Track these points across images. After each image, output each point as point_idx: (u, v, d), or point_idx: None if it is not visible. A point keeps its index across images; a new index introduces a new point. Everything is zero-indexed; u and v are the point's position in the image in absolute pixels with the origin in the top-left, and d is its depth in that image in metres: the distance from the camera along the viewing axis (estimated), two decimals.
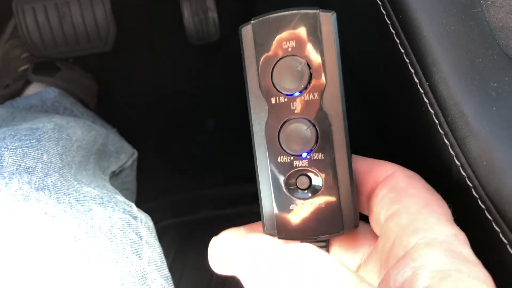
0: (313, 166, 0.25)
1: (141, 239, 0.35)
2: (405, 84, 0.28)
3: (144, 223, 0.37)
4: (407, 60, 0.27)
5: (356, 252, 0.26)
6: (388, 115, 0.36)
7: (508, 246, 0.24)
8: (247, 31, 0.25)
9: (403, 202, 0.23)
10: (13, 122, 0.47)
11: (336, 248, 0.27)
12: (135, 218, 0.37)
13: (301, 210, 0.25)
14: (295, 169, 0.25)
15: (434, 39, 0.26)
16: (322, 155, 0.24)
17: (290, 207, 0.25)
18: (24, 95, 0.66)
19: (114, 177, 0.51)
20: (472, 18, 0.26)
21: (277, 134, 0.25)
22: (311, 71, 0.24)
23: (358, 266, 0.26)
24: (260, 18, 0.24)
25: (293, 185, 0.25)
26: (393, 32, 0.28)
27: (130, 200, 0.40)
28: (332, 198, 0.25)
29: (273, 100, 0.24)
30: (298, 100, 0.24)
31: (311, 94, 0.24)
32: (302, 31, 0.24)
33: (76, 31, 0.74)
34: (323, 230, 0.25)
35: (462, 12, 0.26)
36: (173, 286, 0.37)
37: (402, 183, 0.24)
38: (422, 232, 0.22)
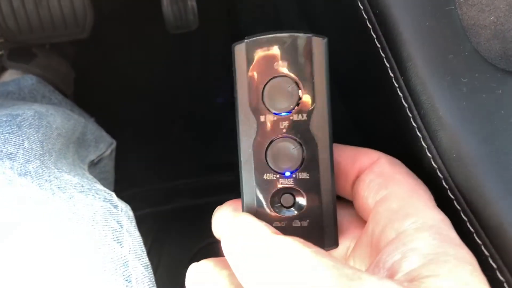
0: (298, 185, 0.25)
1: (122, 227, 0.36)
2: (381, 78, 0.29)
3: (124, 212, 0.37)
4: (383, 55, 0.28)
5: (343, 239, 0.27)
6: (364, 109, 0.37)
7: (475, 235, 0.25)
8: (240, 49, 0.25)
9: (391, 187, 0.24)
10: None
11: None
12: (115, 206, 0.37)
13: (284, 228, 0.26)
14: (280, 187, 0.25)
15: (409, 35, 0.27)
16: (307, 174, 0.25)
17: (274, 225, 0.26)
18: (0, 81, 0.65)
19: (93, 166, 0.51)
20: (445, 16, 0.27)
21: (264, 151, 0.25)
22: (300, 92, 0.25)
23: (346, 251, 0.27)
24: (254, 38, 0.25)
25: (277, 203, 0.26)
26: (370, 27, 0.29)
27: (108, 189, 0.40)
28: (315, 217, 0.25)
29: (262, 118, 0.25)
30: (286, 119, 0.25)
31: (299, 115, 0.25)
32: (294, 54, 0.24)
33: (53, 17, 0.73)
34: None
35: (436, 9, 0.27)
36: (152, 275, 0.37)
37: (388, 169, 0.25)
38: (412, 217, 0.23)
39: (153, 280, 0.36)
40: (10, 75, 0.66)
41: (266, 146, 0.25)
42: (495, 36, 0.27)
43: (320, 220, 0.25)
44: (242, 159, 0.26)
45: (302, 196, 0.25)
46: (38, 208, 0.32)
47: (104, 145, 0.54)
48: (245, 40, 0.25)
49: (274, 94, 0.25)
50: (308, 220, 0.25)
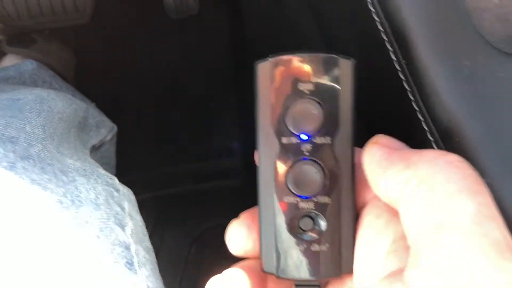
0: (319, 209, 0.25)
1: (124, 211, 0.36)
2: (383, 62, 0.29)
3: (126, 196, 0.38)
4: (386, 38, 0.28)
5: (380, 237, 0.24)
6: (365, 92, 0.37)
7: None
8: (263, 68, 0.24)
9: None
10: None
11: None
12: (117, 190, 0.37)
13: (302, 251, 0.25)
14: (300, 211, 0.25)
15: (412, 18, 0.27)
16: (329, 198, 0.25)
17: (292, 248, 0.25)
18: (0, 66, 0.65)
19: (94, 151, 0.51)
20: None
21: (285, 174, 0.25)
22: (325, 115, 0.24)
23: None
24: (279, 57, 0.24)
25: (296, 226, 0.25)
26: (372, 10, 0.29)
27: None
28: (334, 242, 0.25)
29: (284, 140, 0.25)
30: (309, 142, 0.24)
31: (323, 138, 0.24)
32: (320, 75, 0.24)
33: (52, 2, 0.72)
34: (322, 272, 0.25)
35: None
36: (154, 258, 0.37)
37: None
38: None
39: (155, 263, 0.37)
40: (10, 60, 0.66)
41: (287, 169, 0.25)
42: (498, 19, 0.27)
43: (339, 245, 0.25)
44: (261, 180, 0.25)
45: (322, 220, 0.25)
46: (40, 191, 0.32)
47: (105, 130, 0.54)
48: (269, 59, 0.24)
49: (298, 116, 0.24)
50: (327, 245, 0.25)
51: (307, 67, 0.24)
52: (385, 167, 0.22)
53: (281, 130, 0.25)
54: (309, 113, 0.24)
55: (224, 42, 0.87)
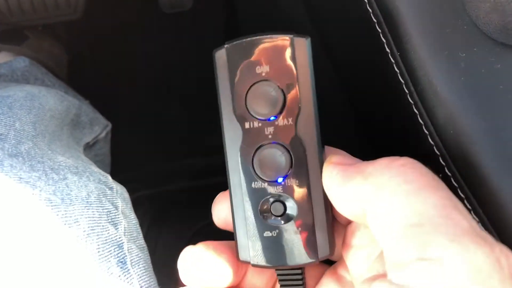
0: (288, 192, 0.24)
1: (117, 209, 0.35)
2: (377, 54, 0.28)
3: (120, 194, 0.37)
4: (379, 30, 0.28)
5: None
6: (360, 86, 0.36)
7: (472, 212, 0.25)
8: (220, 55, 0.24)
9: None
10: None
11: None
12: (110, 188, 0.37)
13: (275, 237, 0.25)
14: (269, 195, 0.25)
15: (406, 9, 0.26)
16: (297, 181, 0.24)
17: (265, 234, 0.25)
18: None
19: (88, 149, 0.50)
20: None
21: (251, 159, 0.25)
22: (285, 96, 0.24)
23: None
24: (234, 42, 0.24)
25: (267, 212, 0.25)
26: (366, 1, 0.28)
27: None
28: (306, 225, 0.24)
29: (247, 125, 0.24)
30: (272, 125, 0.24)
31: (285, 119, 0.24)
32: (276, 56, 0.24)
33: None
34: (297, 258, 0.25)
35: None
36: (148, 257, 0.37)
37: None
38: None
39: (149, 261, 0.36)
40: (2, 57, 0.65)
41: (252, 154, 0.25)
42: (494, 10, 0.26)
43: (312, 228, 0.24)
44: (229, 167, 0.25)
45: (293, 204, 0.24)
46: (28, 189, 0.31)
47: (99, 127, 0.53)
48: (225, 46, 0.24)
49: (258, 100, 0.24)
50: (300, 229, 0.25)
51: (262, 50, 0.24)
52: (343, 183, 0.22)
53: (243, 115, 0.24)
54: (269, 96, 0.24)
55: (218, 37, 0.87)
